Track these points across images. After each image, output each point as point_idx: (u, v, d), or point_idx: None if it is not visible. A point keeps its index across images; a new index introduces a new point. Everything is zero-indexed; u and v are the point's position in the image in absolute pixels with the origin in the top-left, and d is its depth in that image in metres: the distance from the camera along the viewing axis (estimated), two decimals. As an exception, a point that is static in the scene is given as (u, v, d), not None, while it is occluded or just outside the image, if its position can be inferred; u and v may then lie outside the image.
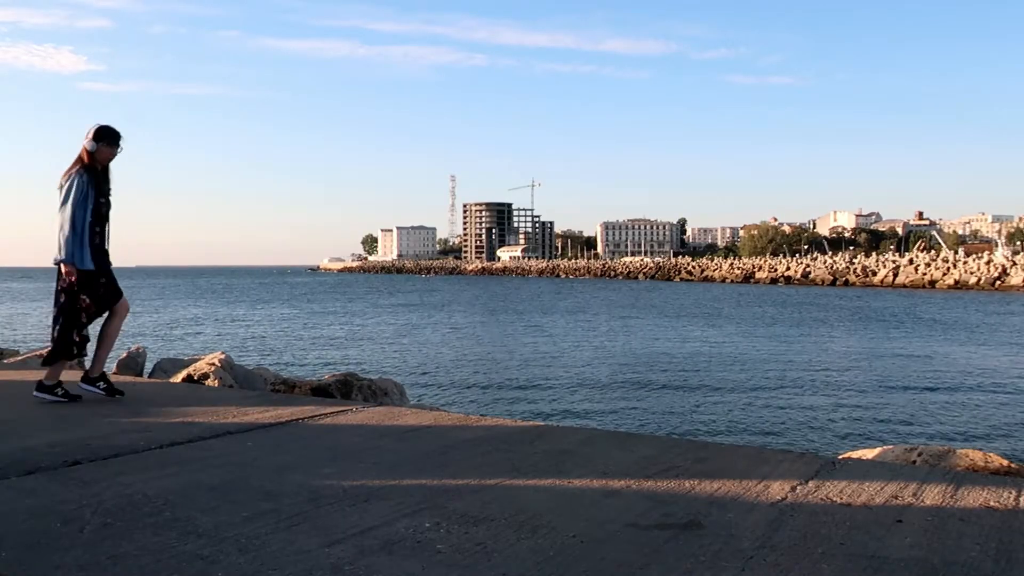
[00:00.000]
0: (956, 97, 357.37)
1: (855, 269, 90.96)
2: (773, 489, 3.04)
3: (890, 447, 4.23)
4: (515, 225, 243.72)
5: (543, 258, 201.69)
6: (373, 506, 2.83)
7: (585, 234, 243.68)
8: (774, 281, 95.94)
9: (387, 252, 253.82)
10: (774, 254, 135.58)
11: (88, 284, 5.03)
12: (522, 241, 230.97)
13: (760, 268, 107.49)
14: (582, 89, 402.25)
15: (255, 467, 3.41)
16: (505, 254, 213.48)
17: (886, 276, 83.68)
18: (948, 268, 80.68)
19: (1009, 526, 2.60)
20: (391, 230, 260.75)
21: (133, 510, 2.77)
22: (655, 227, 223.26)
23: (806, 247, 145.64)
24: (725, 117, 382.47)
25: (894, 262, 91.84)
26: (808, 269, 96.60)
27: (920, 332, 29.93)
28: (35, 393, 5.17)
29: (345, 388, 6.54)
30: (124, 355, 7.16)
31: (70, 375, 5.47)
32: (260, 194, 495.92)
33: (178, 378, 6.62)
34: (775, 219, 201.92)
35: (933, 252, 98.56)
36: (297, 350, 24.81)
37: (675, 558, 2.31)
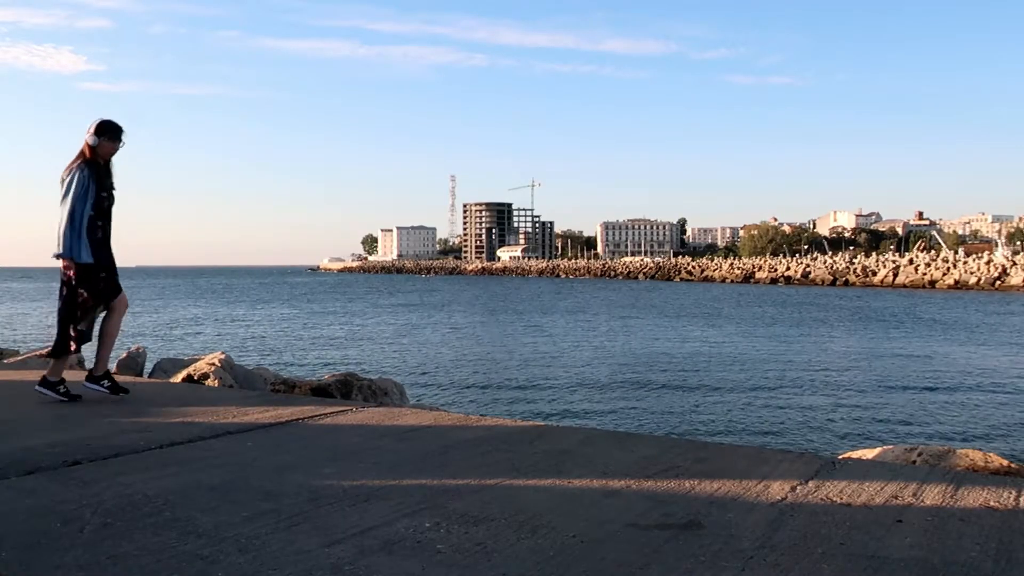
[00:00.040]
0: (956, 97, 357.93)
1: (855, 269, 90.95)
2: (773, 489, 3.04)
3: (890, 447, 4.23)
4: (515, 225, 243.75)
5: (543, 258, 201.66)
6: (373, 506, 2.83)
7: (585, 234, 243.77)
8: (774, 281, 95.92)
9: (387, 252, 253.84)
10: (774, 254, 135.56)
11: (87, 278, 5.03)
12: (522, 241, 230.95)
13: (760, 268, 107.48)
14: (582, 89, 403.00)
15: (255, 467, 3.41)
16: (505, 254, 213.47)
17: (886, 276, 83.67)
18: (948, 268, 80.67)
19: (1009, 526, 2.60)
20: (391, 230, 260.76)
21: (133, 510, 2.77)
22: (655, 227, 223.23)
23: (806, 247, 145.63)
24: (725, 117, 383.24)
25: (894, 262, 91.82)
26: (808, 269, 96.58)
27: (920, 332, 29.92)
28: (37, 387, 5.19)
29: (345, 388, 6.54)
30: (124, 355, 7.16)
31: (73, 375, 5.47)
32: (260, 194, 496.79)
33: (178, 378, 6.62)
34: (775, 219, 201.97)
35: (933, 252, 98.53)
36: (297, 350, 24.81)
37: (675, 558, 2.31)
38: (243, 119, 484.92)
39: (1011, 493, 2.97)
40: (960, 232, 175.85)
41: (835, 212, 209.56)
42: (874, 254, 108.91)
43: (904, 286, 77.95)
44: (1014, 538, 2.48)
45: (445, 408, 7.37)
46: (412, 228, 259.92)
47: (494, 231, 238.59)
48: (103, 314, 5.27)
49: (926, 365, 20.29)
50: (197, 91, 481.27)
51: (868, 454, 4.17)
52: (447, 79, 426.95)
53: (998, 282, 70.99)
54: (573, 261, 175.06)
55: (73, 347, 5.13)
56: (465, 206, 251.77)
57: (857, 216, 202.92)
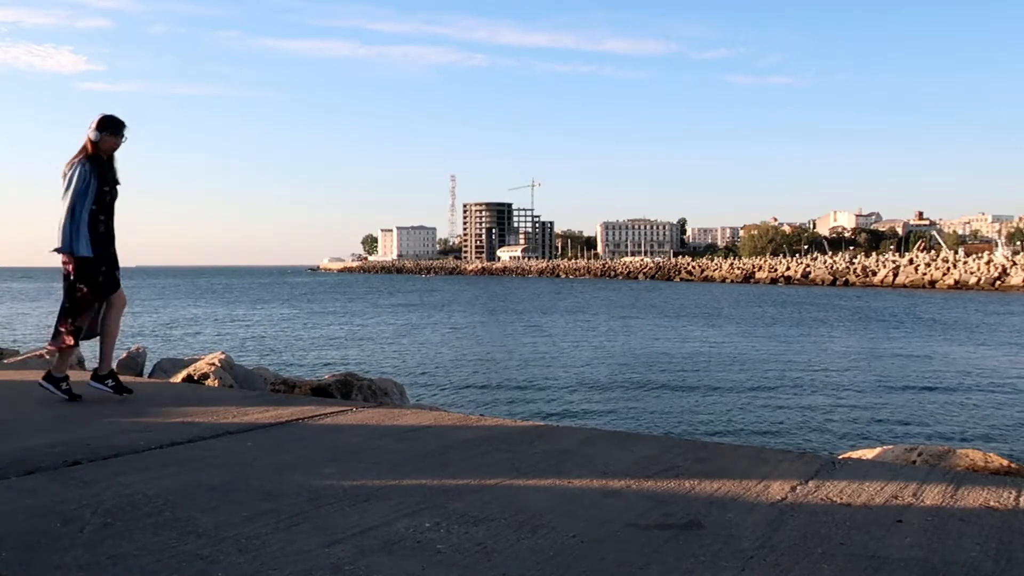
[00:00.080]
0: (956, 97, 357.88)
1: (855, 269, 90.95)
2: (773, 489, 3.04)
3: (890, 447, 4.23)
4: (515, 225, 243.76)
5: (543, 258, 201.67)
6: (373, 506, 2.83)
7: (585, 234, 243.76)
8: (774, 281, 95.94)
9: (387, 252, 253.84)
10: (774, 254, 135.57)
11: (86, 273, 5.03)
12: (522, 241, 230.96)
13: (760, 268, 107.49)
14: (582, 89, 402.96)
15: (255, 467, 3.41)
16: (505, 254, 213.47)
17: (886, 276, 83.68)
18: (948, 268, 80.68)
19: (1009, 526, 2.60)
20: (391, 230, 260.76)
21: (133, 510, 2.77)
22: (655, 227, 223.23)
23: (806, 247, 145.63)
24: (725, 117, 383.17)
25: (894, 262, 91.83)
26: (808, 269, 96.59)
27: (920, 332, 29.93)
28: (40, 381, 5.21)
29: (345, 388, 6.54)
30: (124, 355, 7.16)
31: (75, 375, 5.47)
32: (260, 194, 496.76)
33: (178, 378, 6.62)
34: (775, 219, 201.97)
35: (933, 252, 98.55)
36: (297, 350, 24.81)
37: (675, 558, 2.31)
38: (243, 119, 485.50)
39: (1011, 493, 2.97)
40: (960, 232, 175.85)
41: (835, 212, 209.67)
42: (874, 254, 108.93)
43: (904, 286, 77.96)
44: (1014, 538, 2.48)
45: (445, 408, 7.37)
46: (412, 228, 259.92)
47: (494, 231, 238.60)
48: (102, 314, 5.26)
49: (926, 365, 20.29)
50: (197, 91, 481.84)
51: (868, 454, 4.17)
52: (447, 79, 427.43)
53: (998, 282, 71.00)
54: (573, 261, 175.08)
55: (70, 341, 5.12)
56: (465, 206, 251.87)
57: (857, 216, 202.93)
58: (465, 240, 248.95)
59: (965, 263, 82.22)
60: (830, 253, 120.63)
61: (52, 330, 5.20)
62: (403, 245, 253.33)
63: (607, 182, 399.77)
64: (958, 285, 72.87)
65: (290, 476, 3.24)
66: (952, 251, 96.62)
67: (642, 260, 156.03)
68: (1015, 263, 75.26)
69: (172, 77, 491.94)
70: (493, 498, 2.93)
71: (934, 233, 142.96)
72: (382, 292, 77.95)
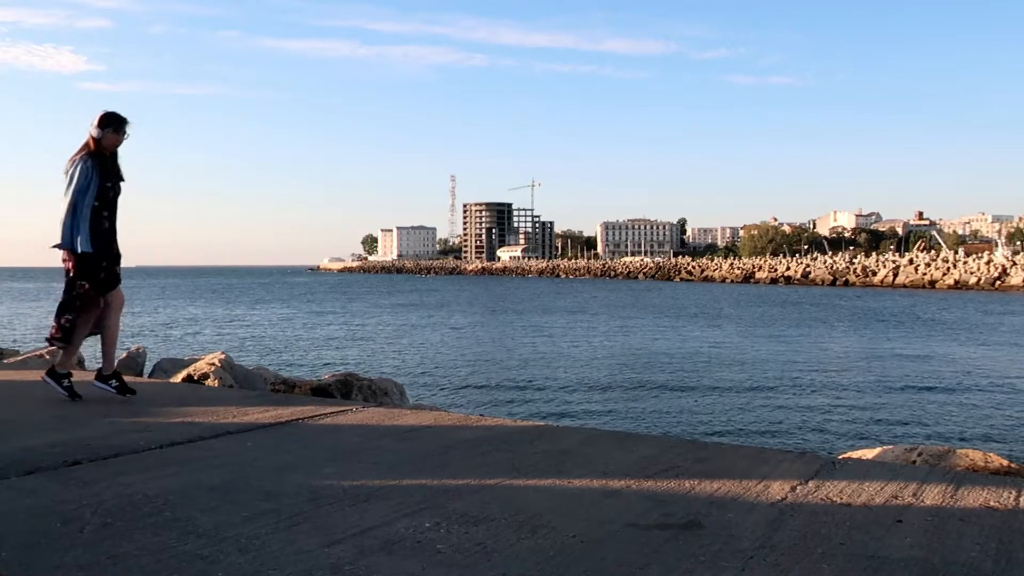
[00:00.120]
0: (956, 97, 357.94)
1: (855, 269, 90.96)
2: (773, 489, 3.04)
3: (890, 447, 4.23)
4: (515, 225, 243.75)
5: (543, 258, 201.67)
6: (373, 506, 2.83)
7: (585, 234, 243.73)
8: (774, 281, 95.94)
9: (387, 252, 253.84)
10: (774, 254, 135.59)
11: (86, 268, 5.02)
12: (522, 241, 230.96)
13: (760, 268, 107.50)
14: (582, 89, 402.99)
15: (255, 467, 3.41)
16: (505, 254, 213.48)
17: (886, 276, 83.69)
18: (948, 268, 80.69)
19: (1009, 526, 2.60)
20: (391, 230, 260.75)
21: (133, 510, 2.77)
22: (655, 227, 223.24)
23: (806, 247, 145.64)
24: (725, 117, 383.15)
25: (894, 262, 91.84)
26: (808, 269, 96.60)
27: (920, 332, 29.93)
28: (44, 376, 5.25)
29: (345, 388, 6.54)
30: (124, 355, 7.16)
31: (79, 375, 5.47)
32: (260, 194, 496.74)
33: (178, 378, 6.62)
34: (775, 219, 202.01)
35: (933, 252, 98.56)
36: (297, 350, 24.81)
37: (675, 558, 2.31)
38: (243, 119, 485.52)
39: (1011, 493, 2.97)
40: (960, 232, 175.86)
41: (835, 212, 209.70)
42: (874, 254, 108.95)
43: (904, 286, 77.97)
44: (1014, 538, 2.48)
45: (445, 408, 7.37)
46: (412, 228, 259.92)
47: (494, 231, 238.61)
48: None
49: (926, 365, 20.29)
50: (197, 91, 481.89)
51: (868, 454, 4.17)
52: (447, 79, 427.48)
53: (998, 282, 71.00)
54: (573, 261, 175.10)
55: (55, 332, 5.11)
56: (465, 206, 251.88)
57: (857, 216, 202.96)
58: (465, 240, 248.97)
59: (965, 263, 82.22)
60: (830, 253, 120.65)
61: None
62: (403, 245, 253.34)
63: (607, 182, 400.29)
64: (958, 285, 72.88)
65: (290, 476, 3.24)
66: (952, 251, 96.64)
67: (642, 260, 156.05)
68: (1015, 263, 75.26)
69: (172, 77, 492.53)
70: (493, 498, 2.93)
71: (934, 233, 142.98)
72: (382, 292, 77.95)
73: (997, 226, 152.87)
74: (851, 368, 20.06)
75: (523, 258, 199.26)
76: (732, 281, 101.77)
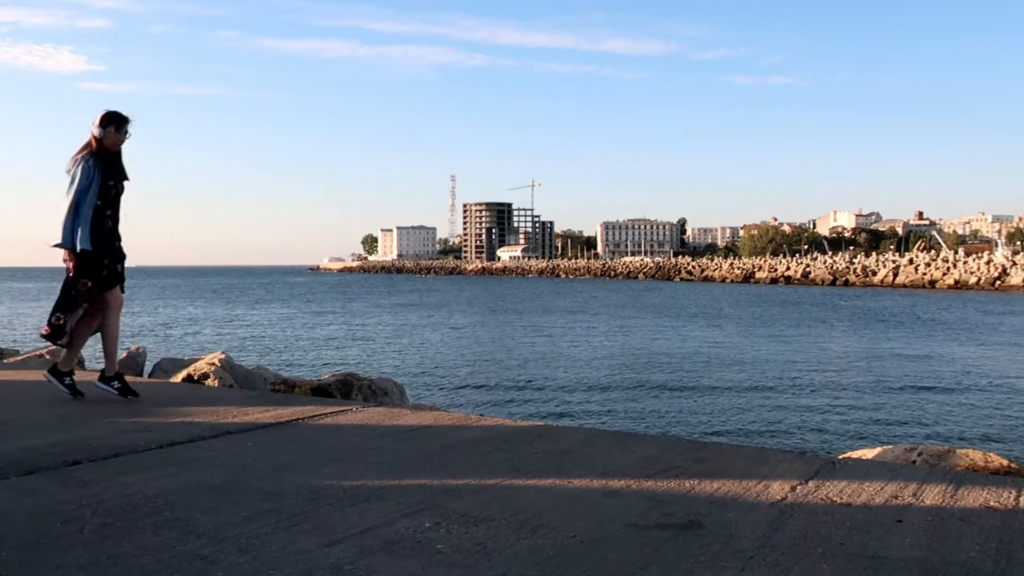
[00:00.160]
0: (956, 97, 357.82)
1: (855, 269, 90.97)
2: (773, 489, 3.04)
3: (890, 447, 4.23)
4: (515, 225, 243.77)
5: (543, 258, 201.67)
6: (373, 506, 2.83)
7: (585, 234, 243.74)
8: (774, 281, 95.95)
9: (387, 252, 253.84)
10: (774, 254, 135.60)
11: (88, 266, 5.02)
12: (522, 241, 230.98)
13: (760, 268, 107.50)
14: (582, 89, 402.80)
15: (255, 467, 3.41)
16: (505, 254, 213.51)
17: (886, 276, 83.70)
18: (948, 268, 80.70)
19: (1009, 526, 2.60)
20: (391, 230, 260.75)
21: (133, 510, 2.77)
22: (655, 227, 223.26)
23: (806, 247, 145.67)
24: (725, 117, 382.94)
25: (894, 262, 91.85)
26: (808, 269, 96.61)
27: (920, 332, 29.93)
28: (46, 373, 5.27)
29: (345, 388, 6.54)
30: (124, 355, 7.16)
31: (82, 376, 5.47)
32: (260, 194, 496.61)
33: (178, 378, 6.62)
34: (775, 219, 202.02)
35: (933, 252, 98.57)
36: (297, 350, 24.81)
37: (675, 558, 2.31)
38: (243, 119, 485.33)
39: (1011, 493, 2.97)
40: (960, 232, 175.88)
41: (835, 212, 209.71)
42: (874, 254, 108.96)
43: (904, 286, 77.97)
44: (1014, 538, 2.48)
45: (445, 408, 7.37)
46: (412, 228, 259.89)
47: (494, 231, 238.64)
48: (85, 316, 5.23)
49: (926, 365, 20.30)
50: (197, 91, 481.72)
51: (868, 454, 4.17)
52: (447, 79, 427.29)
53: (998, 282, 71.02)
54: (573, 261, 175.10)
55: (46, 331, 5.11)
56: (465, 206, 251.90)
57: (857, 216, 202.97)
58: (465, 240, 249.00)
59: (965, 263, 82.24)
60: (830, 253, 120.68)
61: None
62: (403, 245, 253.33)
63: (607, 182, 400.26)
64: (958, 285, 72.88)
65: (290, 476, 3.24)
66: (952, 251, 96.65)
67: (642, 260, 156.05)
68: (1015, 263, 75.27)
69: (172, 77, 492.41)
70: (493, 498, 2.93)
71: (934, 233, 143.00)
72: (382, 292, 77.95)
73: (997, 226, 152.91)
74: (851, 368, 20.06)
75: (523, 258, 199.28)
76: (732, 281, 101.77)
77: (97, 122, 5.04)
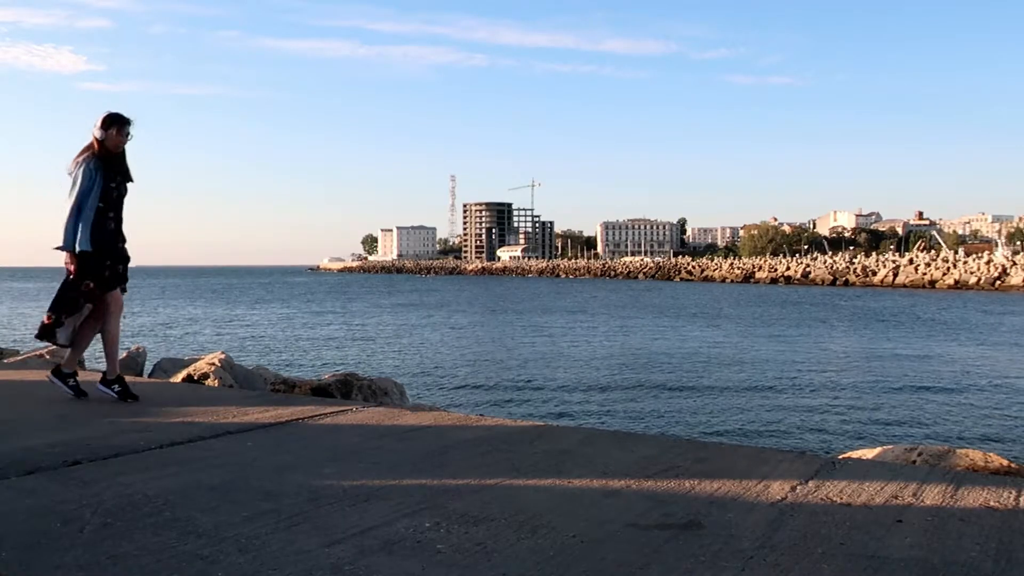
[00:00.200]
0: (956, 97, 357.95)
1: (855, 269, 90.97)
2: (773, 489, 3.04)
3: (890, 447, 4.23)
4: (515, 225, 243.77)
5: (543, 258, 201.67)
6: (373, 506, 2.83)
7: (585, 234, 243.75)
8: (774, 281, 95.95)
9: (387, 252, 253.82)
10: (774, 254, 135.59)
11: (89, 267, 5.01)
12: (522, 241, 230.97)
13: (760, 268, 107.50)
14: (582, 89, 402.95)
15: (255, 467, 3.41)
16: (505, 254, 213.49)
17: (886, 276, 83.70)
18: (948, 268, 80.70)
19: (1009, 526, 2.60)
20: (391, 230, 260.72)
21: (133, 510, 2.77)
22: (655, 227, 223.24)
23: (806, 247, 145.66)
24: (725, 117, 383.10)
25: (894, 262, 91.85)
26: (808, 269, 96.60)
27: (920, 332, 29.93)
28: (49, 374, 5.28)
29: (345, 388, 6.54)
30: (124, 355, 7.15)
31: (85, 376, 5.47)
32: (260, 194, 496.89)
33: (178, 378, 6.62)
34: (775, 219, 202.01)
35: (933, 252, 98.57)
36: (297, 350, 24.81)
37: (675, 558, 2.31)
38: (243, 119, 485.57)
39: (1011, 493, 2.97)
40: (960, 232, 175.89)
41: (835, 212, 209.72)
42: (874, 254, 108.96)
43: (904, 286, 77.98)
44: (1014, 538, 2.48)
45: (445, 408, 7.37)
46: (412, 228, 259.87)
47: (494, 231, 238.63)
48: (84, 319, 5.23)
49: (926, 365, 20.29)
50: (197, 91, 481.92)
51: (868, 454, 4.17)
52: (447, 79, 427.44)
53: (998, 282, 71.02)
54: (573, 261, 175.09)
55: (40, 334, 5.11)
56: (465, 206, 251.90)
57: (857, 216, 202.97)
58: (465, 240, 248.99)
59: (965, 263, 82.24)
60: (830, 253, 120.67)
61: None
62: (403, 245, 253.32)
63: (607, 182, 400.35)
64: (958, 285, 72.88)
65: (290, 476, 3.24)
66: (952, 251, 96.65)
67: (642, 260, 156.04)
68: (1015, 263, 75.27)
69: (172, 77, 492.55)
70: (493, 498, 2.93)
71: (934, 233, 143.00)
72: (382, 292, 77.94)
73: (997, 226, 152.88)
74: (851, 368, 20.06)
75: (523, 258, 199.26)
76: (732, 281, 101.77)
77: (99, 124, 5.05)
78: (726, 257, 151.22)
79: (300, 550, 2.37)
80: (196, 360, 7.06)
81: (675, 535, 2.52)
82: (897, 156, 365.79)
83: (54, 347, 5.67)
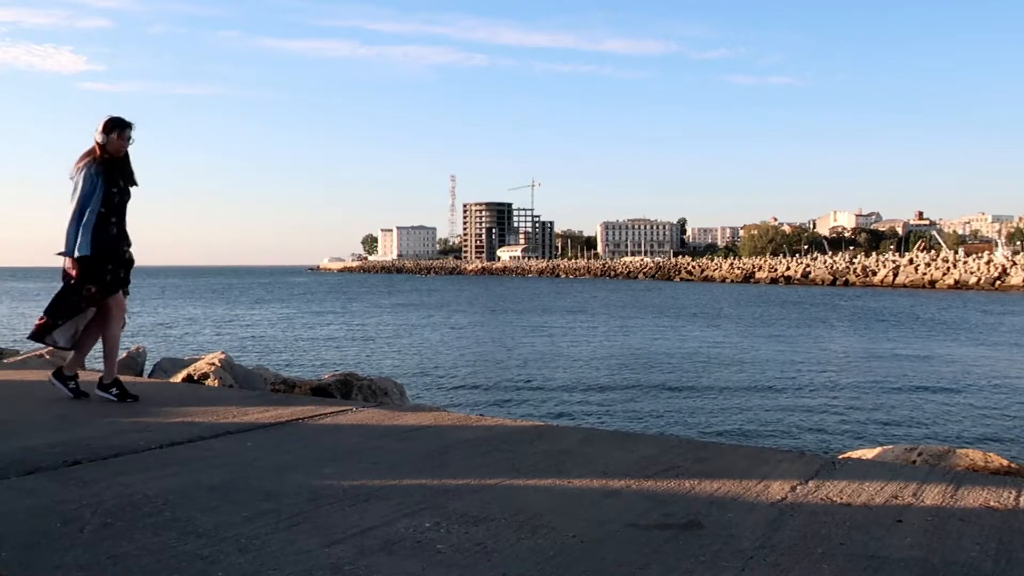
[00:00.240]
0: (956, 97, 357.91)
1: (855, 269, 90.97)
2: (773, 489, 3.04)
3: (890, 447, 4.23)
4: (515, 225, 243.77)
5: (543, 258, 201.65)
6: (373, 506, 2.83)
7: (585, 234, 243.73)
8: (774, 281, 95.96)
9: (387, 252, 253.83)
10: (774, 254, 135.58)
11: (90, 271, 5.00)
12: (522, 241, 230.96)
13: (760, 268, 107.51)
14: (582, 89, 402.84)
15: (255, 467, 3.41)
16: (505, 254, 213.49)
17: (886, 276, 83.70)
18: (948, 268, 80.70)
19: (1009, 526, 2.60)
20: (391, 230, 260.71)
21: (133, 510, 2.77)
22: (655, 227, 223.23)
23: (806, 247, 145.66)
24: (725, 117, 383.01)
25: (894, 262, 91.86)
26: (808, 269, 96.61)
27: (920, 332, 29.93)
28: (50, 377, 5.27)
29: (345, 388, 6.54)
30: (124, 355, 7.15)
31: (86, 376, 5.47)
32: (260, 194, 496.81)
33: (178, 378, 6.62)
34: (775, 219, 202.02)
35: (933, 252, 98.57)
36: (297, 350, 24.81)
37: (675, 558, 2.31)
38: (243, 119, 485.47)
39: (1011, 493, 2.97)
40: (960, 232, 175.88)
41: (835, 212, 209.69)
42: (874, 254, 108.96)
43: (904, 286, 77.98)
44: (1014, 538, 2.48)
45: (445, 408, 7.37)
46: (412, 228, 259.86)
47: (494, 231, 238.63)
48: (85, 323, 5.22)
49: (926, 365, 20.29)
50: (197, 91, 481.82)
51: (868, 454, 4.17)
52: (447, 79, 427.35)
53: (998, 282, 71.02)
54: (573, 261, 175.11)
55: (33, 335, 5.10)
56: (465, 206, 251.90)
57: (857, 216, 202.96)
58: (465, 240, 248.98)
59: (965, 263, 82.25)
60: (830, 253, 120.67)
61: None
62: (403, 245, 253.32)
63: (607, 182, 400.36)
64: (958, 285, 72.89)
65: (290, 476, 3.24)
66: (952, 251, 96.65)
67: (642, 260, 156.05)
68: (1015, 263, 75.27)
69: (172, 77, 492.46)
70: (493, 498, 2.93)
71: (934, 233, 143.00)
72: (382, 292, 77.94)
73: (997, 226, 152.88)
74: (851, 368, 20.06)
75: (523, 258, 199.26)
76: (732, 281, 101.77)
77: (100, 128, 5.04)
78: (726, 257, 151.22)
79: (300, 550, 2.37)
80: (196, 360, 7.06)
81: (675, 535, 2.52)
82: (897, 156, 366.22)
83: (54, 348, 5.66)
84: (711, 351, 23.73)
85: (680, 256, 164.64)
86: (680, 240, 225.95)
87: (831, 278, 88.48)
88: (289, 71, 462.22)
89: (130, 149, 5.21)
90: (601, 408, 14.43)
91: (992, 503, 2.85)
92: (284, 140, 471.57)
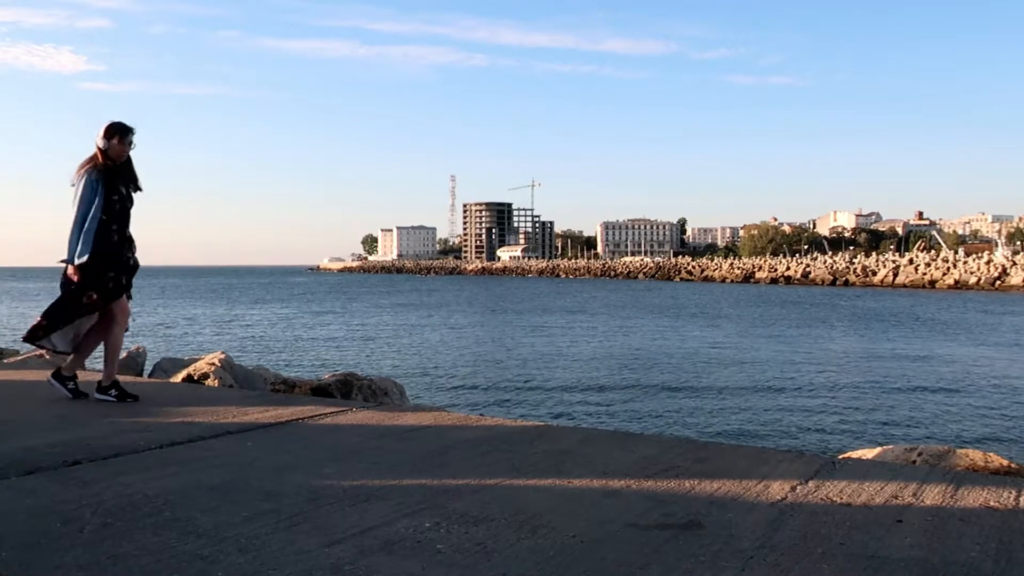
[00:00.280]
0: (956, 97, 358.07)
1: (855, 269, 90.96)
2: (773, 489, 3.04)
3: (890, 447, 4.23)
4: (515, 225, 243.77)
5: (543, 258, 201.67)
6: (373, 506, 2.83)
7: (585, 234, 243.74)
8: (774, 281, 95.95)
9: (387, 252, 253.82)
10: (774, 254, 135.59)
11: (91, 277, 5.00)
12: (522, 241, 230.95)
13: (760, 268, 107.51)
14: (582, 89, 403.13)
15: (255, 467, 3.41)
16: (505, 254, 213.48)
17: (886, 276, 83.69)
18: (948, 268, 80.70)
19: (1009, 526, 2.60)
20: (391, 230, 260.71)
21: (133, 510, 2.77)
22: (655, 227, 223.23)
23: (806, 247, 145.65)
24: (725, 117, 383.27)
25: (894, 262, 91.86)
26: (808, 269, 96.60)
27: (920, 332, 29.93)
28: (49, 377, 5.28)
29: (345, 388, 6.54)
30: (124, 355, 7.15)
31: (86, 376, 5.47)
32: (260, 194, 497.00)
33: (178, 378, 6.62)
34: (775, 219, 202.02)
35: (933, 252, 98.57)
36: (297, 350, 24.80)
37: (675, 558, 2.31)
38: (243, 119, 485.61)
39: (1011, 493, 2.97)
40: (960, 232, 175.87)
41: (835, 212, 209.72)
42: (874, 254, 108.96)
43: (904, 286, 77.98)
44: (1014, 538, 2.48)
45: (445, 408, 7.37)
46: (412, 228, 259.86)
47: (494, 231, 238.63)
48: (86, 326, 5.22)
49: (926, 365, 20.29)
50: (197, 91, 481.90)
51: (868, 454, 4.17)
52: (447, 79, 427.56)
53: (998, 282, 71.02)
54: (573, 261, 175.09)
55: (27, 336, 5.10)
56: (465, 206, 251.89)
57: (857, 216, 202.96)
58: (465, 240, 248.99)
59: (965, 263, 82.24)
60: (830, 253, 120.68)
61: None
62: (403, 245, 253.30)
63: (607, 182, 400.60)
64: (958, 285, 72.88)
65: (290, 476, 3.24)
66: (952, 251, 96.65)
67: (642, 260, 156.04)
68: (1015, 263, 75.27)
69: (172, 77, 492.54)
70: (493, 498, 2.93)
71: (934, 233, 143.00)
72: (382, 292, 77.93)
73: (997, 226, 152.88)
74: (851, 368, 20.06)
75: (523, 258, 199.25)
76: (732, 281, 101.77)
77: (101, 134, 5.03)
78: (726, 257, 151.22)
79: (300, 550, 2.37)
80: (196, 360, 7.06)
81: (675, 535, 2.52)
82: (897, 156, 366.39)
83: (53, 352, 5.66)
84: (711, 351, 23.73)
85: (680, 256, 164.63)
86: (680, 240, 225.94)
87: (831, 278, 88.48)
88: (289, 71, 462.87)
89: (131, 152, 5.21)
90: (601, 408, 14.42)
91: (992, 503, 2.85)
92: (284, 140, 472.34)
